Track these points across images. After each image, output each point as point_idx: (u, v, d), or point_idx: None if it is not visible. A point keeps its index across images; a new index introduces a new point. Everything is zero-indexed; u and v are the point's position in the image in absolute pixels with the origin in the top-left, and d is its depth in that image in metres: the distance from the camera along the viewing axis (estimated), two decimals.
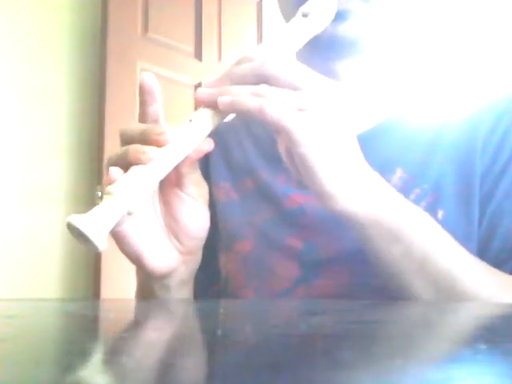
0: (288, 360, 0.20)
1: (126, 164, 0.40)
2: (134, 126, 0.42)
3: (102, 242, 0.36)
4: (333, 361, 0.19)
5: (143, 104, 0.44)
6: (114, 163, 0.41)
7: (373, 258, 0.45)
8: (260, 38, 2.20)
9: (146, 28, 1.87)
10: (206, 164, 0.60)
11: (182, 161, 0.41)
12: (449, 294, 0.44)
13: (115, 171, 0.39)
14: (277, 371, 0.18)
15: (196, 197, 0.45)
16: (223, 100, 0.41)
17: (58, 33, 1.78)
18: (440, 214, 0.51)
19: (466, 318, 0.36)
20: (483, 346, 0.22)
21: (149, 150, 0.39)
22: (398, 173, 0.53)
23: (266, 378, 0.17)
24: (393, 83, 0.60)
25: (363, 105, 0.58)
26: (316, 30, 0.49)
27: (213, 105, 0.42)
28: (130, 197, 0.38)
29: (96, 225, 0.36)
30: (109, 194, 0.38)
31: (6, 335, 0.25)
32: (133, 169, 0.39)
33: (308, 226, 0.54)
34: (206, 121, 0.42)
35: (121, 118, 1.71)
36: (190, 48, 1.99)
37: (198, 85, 1.94)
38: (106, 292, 1.65)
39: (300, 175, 0.42)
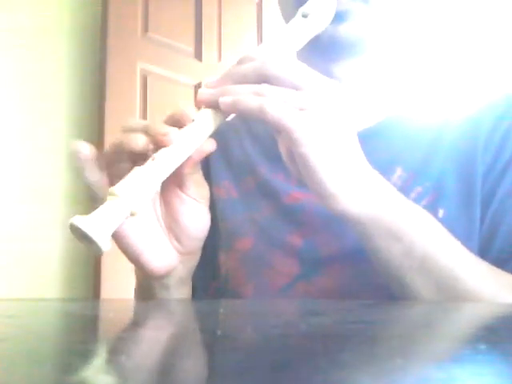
0: (288, 360, 0.20)
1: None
2: (136, 122, 0.42)
3: (106, 243, 0.36)
4: (333, 361, 0.19)
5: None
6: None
7: (373, 257, 0.45)
8: (260, 38, 2.20)
9: (146, 28, 1.87)
10: (206, 163, 0.60)
11: (184, 161, 0.42)
12: (450, 294, 0.44)
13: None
14: (277, 371, 0.18)
15: (197, 197, 0.45)
16: (224, 100, 0.41)
17: (58, 33, 1.78)
18: (441, 212, 0.51)
19: (466, 317, 0.36)
20: (483, 346, 0.22)
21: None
22: (398, 171, 0.53)
23: (266, 378, 0.17)
24: (393, 83, 0.60)
25: (363, 104, 0.58)
26: (316, 31, 0.49)
27: (214, 105, 0.42)
28: (133, 198, 0.38)
29: (99, 226, 0.36)
30: (112, 194, 0.38)
31: (6, 335, 0.25)
32: (135, 169, 0.39)
33: (308, 223, 0.54)
34: (208, 121, 0.42)
35: (121, 118, 1.71)
36: (190, 48, 1.99)
37: (198, 85, 1.94)
38: (106, 292, 1.64)
39: (300, 175, 0.42)
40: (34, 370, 0.18)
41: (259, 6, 2.23)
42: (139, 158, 0.41)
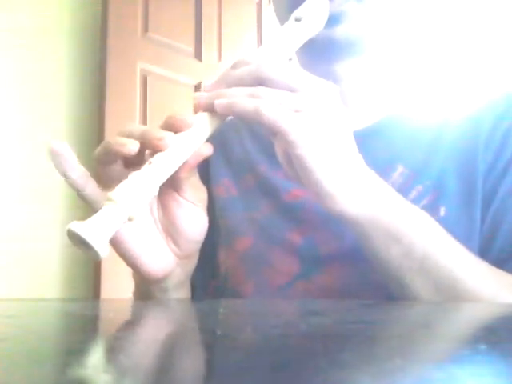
0: (288, 360, 0.20)
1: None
2: (133, 127, 0.42)
3: (104, 248, 0.36)
4: (333, 361, 0.19)
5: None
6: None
7: (372, 257, 0.45)
8: (260, 39, 2.20)
9: (146, 28, 1.87)
10: (206, 161, 0.60)
11: (181, 165, 0.41)
12: (449, 294, 0.44)
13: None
14: (277, 371, 0.18)
15: (194, 201, 0.45)
16: (220, 103, 0.41)
17: (58, 33, 1.78)
18: (442, 211, 0.51)
19: (466, 318, 0.36)
20: (483, 346, 0.22)
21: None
22: (399, 169, 0.53)
23: (266, 378, 0.17)
24: (394, 81, 0.60)
25: (364, 102, 0.58)
26: (310, 34, 0.49)
27: (210, 108, 0.42)
28: (131, 203, 0.38)
29: (97, 231, 0.36)
30: (109, 200, 0.37)
31: (6, 335, 0.25)
32: (133, 174, 0.39)
33: (308, 221, 0.54)
34: (205, 125, 0.42)
35: (121, 118, 1.71)
36: (190, 48, 1.99)
37: (198, 85, 1.94)
38: (106, 292, 1.65)
39: (297, 176, 0.42)
40: (34, 370, 0.18)
41: (259, 5, 2.23)
42: (132, 159, 0.41)
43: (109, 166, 0.41)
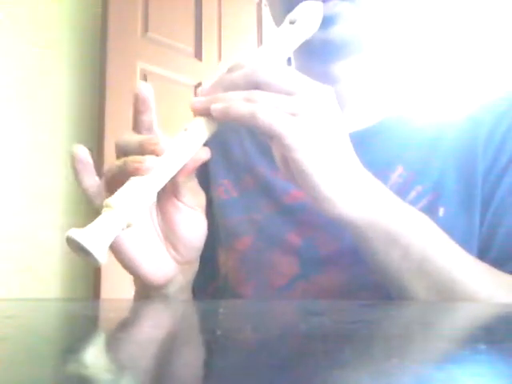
0: (288, 360, 0.20)
1: (125, 176, 0.39)
2: (129, 136, 0.42)
3: (103, 255, 0.36)
4: (333, 361, 0.19)
5: (137, 113, 0.43)
6: (113, 176, 0.41)
7: (371, 259, 0.45)
8: (260, 39, 2.20)
9: (146, 28, 1.87)
10: (204, 163, 0.60)
11: (179, 170, 0.41)
12: (448, 295, 0.44)
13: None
14: (277, 371, 0.18)
15: (193, 205, 0.45)
16: (216, 107, 0.41)
17: (57, 33, 1.78)
18: (441, 211, 0.51)
19: (465, 317, 0.36)
20: (483, 346, 0.22)
21: (147, 160, 0.39)
22: (399, 170, 0.53)
23: (266, 378, 0.17)
24: (392, 82, 0.60)
25: (363, 102, 0.58)
26: (304, 36, 0.49)
27: (206, 113, 0.41)
28: (130, 209, 0.37)
29: (96, 238, 0.36)
30: (107, 206, 0.37)
31: (6, 335, 0.25)
32: (131, 180, 0.39)
33: (308, 222, 0.54)
34: (202, 129, 0.42)
35: (121, 118, 1.71)
36: (190, 48, 1.99)
37: (198, 85, 1.94)
38: (106, 292, 1.65)
39: (295, 180, 0.42)
40: (34, 370, 0.18)
41: (259, 5, 2.23)
42: None
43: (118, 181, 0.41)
